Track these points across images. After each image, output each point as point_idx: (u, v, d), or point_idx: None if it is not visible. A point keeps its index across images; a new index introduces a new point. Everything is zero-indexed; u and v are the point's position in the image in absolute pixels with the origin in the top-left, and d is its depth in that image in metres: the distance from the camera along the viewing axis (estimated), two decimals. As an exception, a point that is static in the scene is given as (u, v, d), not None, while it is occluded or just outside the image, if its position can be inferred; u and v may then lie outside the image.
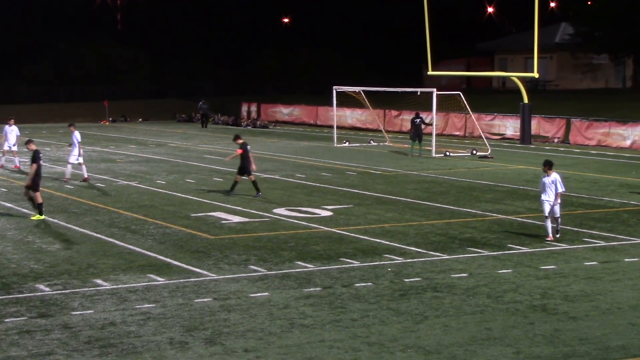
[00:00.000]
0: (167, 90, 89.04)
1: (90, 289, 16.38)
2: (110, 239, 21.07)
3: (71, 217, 24.07)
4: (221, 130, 60.76)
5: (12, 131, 36.92)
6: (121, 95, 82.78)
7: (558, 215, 20.98)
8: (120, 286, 16.54)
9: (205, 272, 17.68)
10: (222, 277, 17.31)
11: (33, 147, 25.08)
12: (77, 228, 22.50)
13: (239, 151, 27.86)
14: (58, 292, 16.16)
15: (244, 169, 27.87)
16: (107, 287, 16.49)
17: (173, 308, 15.11)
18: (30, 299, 15.69)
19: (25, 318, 14.47)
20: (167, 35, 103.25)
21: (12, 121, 37.35)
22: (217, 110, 69.39)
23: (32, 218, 23.66)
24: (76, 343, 13.26)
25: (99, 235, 21.53)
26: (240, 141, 28.01)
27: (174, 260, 18.77)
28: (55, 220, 23.58)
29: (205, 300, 15.61)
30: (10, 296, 15.83)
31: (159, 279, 17.12)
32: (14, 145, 36.72)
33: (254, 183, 27.70)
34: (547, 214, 20.78)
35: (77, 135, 31.60)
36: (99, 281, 16.91)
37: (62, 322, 14.29)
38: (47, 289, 16.37)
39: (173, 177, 32.95)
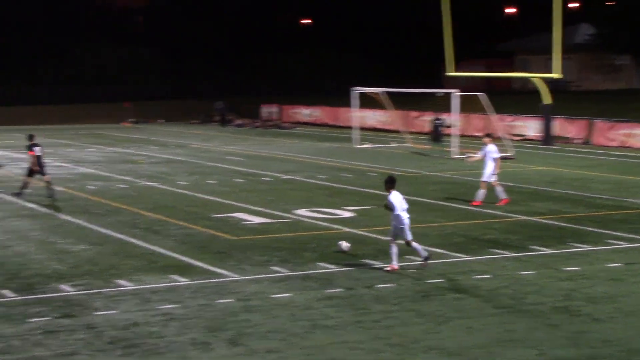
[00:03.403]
0: (186, 92, 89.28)
1: (113, 289, 16.46)
2: (133, 240, 21.16)
3: (93, 218, 24.19)
4: (241, 131, 60.87)
5: None
6: (141, 97, 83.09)
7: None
8: (142, 287, 16.61)
9: (227, 273, 17.72)
10: (243, 278, 17.34)
11: None
12: (99, 229, 22.60)
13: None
14: (81, 292, 16.24)
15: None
16: (130, 288, 16.56)
17: (195, 309, 15.15)
18: (54, 299, 15.77)
19: (50, 318, 14.55)
20: (186, 36, 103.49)
21: None
22: (235, 111, 69.50)
23: None
24: (100, 343, 13.33)
25: (121, 236, 21.62)
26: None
27: (195, 261, 18.83)
28: (78, 221, 23.70)
29: (227, 301, 15.65)
30: (34, 296, 15.92)
31: (181, 279, 17.18)
32: None
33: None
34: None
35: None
36: (121, 282, 16.98)
37: (85, 322, 14.36)
38: (70, 289, 16.45)
39: (194, 178, 33.05)
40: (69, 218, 24.16)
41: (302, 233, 21.98)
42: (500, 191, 26.20)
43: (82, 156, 42.23)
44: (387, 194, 18.10)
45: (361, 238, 21.33)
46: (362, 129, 51.00)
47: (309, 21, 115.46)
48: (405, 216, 17.89)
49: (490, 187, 26.16)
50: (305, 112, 67.87)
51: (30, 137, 28.63)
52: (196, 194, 28.80)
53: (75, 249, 20.19)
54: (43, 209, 25.64)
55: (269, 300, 15.69)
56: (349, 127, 52.38)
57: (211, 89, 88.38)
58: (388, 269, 17.77)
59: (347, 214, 24.75)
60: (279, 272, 17.78)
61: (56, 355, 12.80)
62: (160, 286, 16.65)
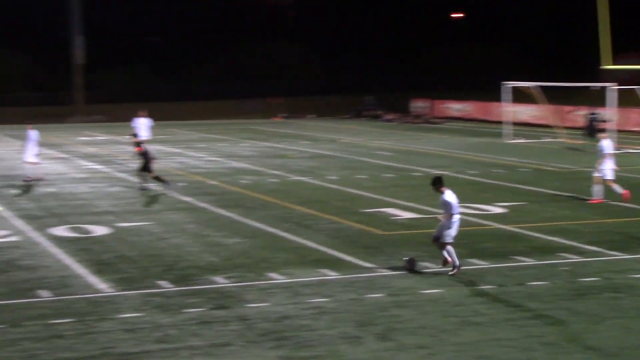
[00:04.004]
0: (337, 87, 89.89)
1: (265, 282, 16.70)
2: (284, 234, 21.43)
3: (246, 212, 24.63)
4: (390, 126, 60.84)
5: (143, 123, 39.74)
6: (292, 93, 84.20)
7: None
8: (293, 280, 16.79)
9: (376, 268, 17.73)
10: (393, 273, 17.31)
11: None
12: (251, 222, 23.00)
13: None
14: (234, 284, 16.56)
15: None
16: (281, 281, 16.77)
17: (345, 303, 15.22)
18: (208, 290, 16.14)
19: (204, 309, 14.90)
20: (337, 32, 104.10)
21: (142, 113, 40.27)
22: (385, 106, 69.51)
23: None
24: (252, 335, 13.55)
25: (272, 230, 21.94)
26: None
27: (346, 255, 18.91)
28: (231, 215, 24.19)
29: (377, 296, 15.65)
30: (190, 287, 16.33)
31: (331, 273, 17.28)
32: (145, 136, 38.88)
33: None
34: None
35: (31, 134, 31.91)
36: (273, 275, 17.22)
37: (238, 314, 14.64)
38: (224, 281, 16.80)
39: (344, 173, 33.23)
40: (222, 212, 24.69)
41: (452, 229, 21.74)
42: (599, 190, 25.48)
43: (235, 151, 43.09)
44: (439, 194, 17.24)
45: (512, 234, 20.98)
46: (514, 123, 50.15)
47: (461, 15, 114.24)
48: (457, 217, 17.15)
49: (601, 182, 25.53)
50: (455, 107, 67.26)
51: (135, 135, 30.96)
52: (346, 189, 28.95)
53: (229, 242, 20.61)
54: (199, 203, 26.28)
55: (419, 296, 15.60)
56: (500, 122, 51.62)
57: (362, 84, 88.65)
58: (454, 271, 17.05)
59: (498, 210, 24.38)
60: (429, 268, 17.65)
61: (211, 345, 13.09)
62: (311, 280, 16.79)
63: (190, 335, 13.51)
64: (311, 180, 31.35)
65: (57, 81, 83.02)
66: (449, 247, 17.03)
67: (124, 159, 38.82)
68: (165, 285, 16.48)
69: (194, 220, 23.50)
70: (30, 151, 31.40)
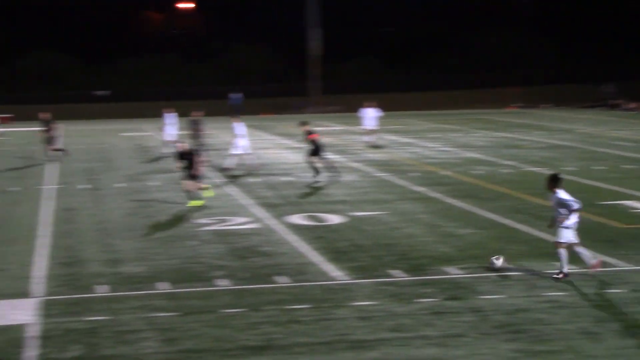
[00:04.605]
0: (576, 76, 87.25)
1: (498, 274, 16.45)
2: (518, 225, 21.04)
3: (479, 203, 24.38)
4: (631, 115, 58.41)
5: (371, 113, 41.08)
6: (527, 82, 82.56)
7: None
8: (528, 273, 16.45)
9: (616, 262, 17.07)
10: (635, 268, 16.60)
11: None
12: (484, 213, 22.74)
13: None
14: (467, 275, 16.42)
15: None
16: (515, 273, 16.47)
17: (584, 297, 14.75)
18: (441, 281, 16.09)
19: (437, 299, 14.87)
20: (573, 17, 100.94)
21: (369, 104, 41.49)
22: (626, 95, 66.80)
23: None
24: (485, 327, 13.39)
25: (506, 221, 21.60)
26: None
27: (583, 248, 18.29)
28: (464, 205, 24.02)
29: (618, 291, 15.07)
30: (423, 277, 16.35)
31: (569, 266, 16.77)
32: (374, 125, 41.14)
33: None
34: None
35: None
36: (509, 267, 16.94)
37: (471, 305, 14.50)
38: (457, 272, 16.69)
39: (582, 164, 32.23)
40: (455, 202, 24.56)
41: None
42: None
43: (468, 141, 42.75)
44: (552, 193, 16.01)
45: None
46: None
47: None
48: (574, 218, 15.92)
49: None
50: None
51: (304, 123, 31.14)
52: (583, 180, 28.06)
53: (462, 232, 20.47)
54: (432, 193, 26.27)
55: (663, 293, 14.90)
56: None
57: (600, 72, 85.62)
58: (559, 276, 15.97)
59: None
60: (674, 264, 16.81)
61: (444, 335, 13.04)
62: (547, 272, 16.38)
63: (423, 325, 13.52)
64: (546, 171, 30.59)
65: (294, 73, 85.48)
66: (562, 250, 15.98)
67: (358, 149, 39.41)
68: (399, 275, 16.58)
69: (426, 210, 23.51)
70: (241, 142, 32.35)
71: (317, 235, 20.38)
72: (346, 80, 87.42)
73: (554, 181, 16.15)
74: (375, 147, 39.69)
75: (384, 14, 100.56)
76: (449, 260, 17.59)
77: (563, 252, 15.98)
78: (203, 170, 25.58)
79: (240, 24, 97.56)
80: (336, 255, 18.26)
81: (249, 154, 32.54)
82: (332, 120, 61.38)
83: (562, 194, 16.04)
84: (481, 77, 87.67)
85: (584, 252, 16.11)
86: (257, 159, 32.88)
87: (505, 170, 31.16)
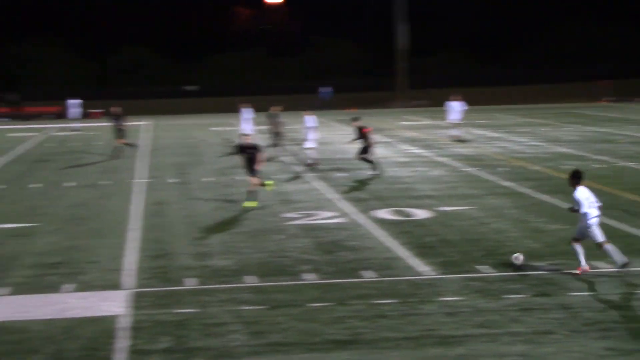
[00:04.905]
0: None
1: (590, 270, 16.14)
2: (610, 221, 20.57)
3: (568, 198, 23.89)
4: None
5: (456, 106, 41.12)
6: (621, 75, 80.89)
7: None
8: (622, 270, 16.09)
9: None
10: None
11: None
12: (575, 209, 22.32)
13: None
14: (556, 272, 16.17)
15: None
16: (607, 270, 16.14)
17: (677, 295, 14.40)
18: (530, 277, 15.86)
19: (525, 296, 14.67)
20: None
21: (455, 97, 41.40)
22: None
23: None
24: (575, 324, 13.16)
25: (597, 217, 21.16)
26: None
27: (677, 245, 17.88)
28: (553, 200, 23.65)
29: None
30: (511, 273, 16.12)
31: (661, 264, 16.41)
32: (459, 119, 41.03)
33: None
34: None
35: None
36: (597, 263, 16.61)
37: (560, 302, 14.27)
38: (545, 268, 16.45)
39: (676, 159, 31.45)
40: (544, 197, 24.19)
41: None
42: None
43: (558, 135, 42.07)
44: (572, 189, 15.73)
45: None
46: None
47: None
48: (593, 214, 15.45)
49: None
50: None
51: (356, 119, 31.01)
52: (678, 175, 27.40)
53: (550, 228, 20.16)
54: (520, 188, 25.94)
55: None
56: None
57: None
58: (576, 272, 15.64)
59: None
60: None
61: (532, 332, 12.86)
62: (636, 270, 16.01)
63: (511, 322, 13.36)
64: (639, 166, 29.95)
65: (382, 67, 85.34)
66: (606, 246, 15.66)
67: (444, 143, 39.15)
68: (486, 270, 16.41)
69: (514, 205, 23.22)
70: (312, 135, 32.31)
71: (404, 230, 20.31)
72: (432, 74, 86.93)
73: (575, 177, 16.01)
74: (462, 141, 39.40)
75: (471, 7, 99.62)
76: (537, 256, 17.33)
77: (579, 248, 15.87)
78: (264, 165, 25.29)
79: (327, 19, 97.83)
80: (423, 250, 18.17)
81: (313, 147, 32.43)
82: (419, 114, 61.09)
83: (579, 192, 15.82)
84: (572, 70, 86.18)
85: (612, 250, 15.78)
86: (319, 155, 32.67)
87: (597, 165, 30.57)
